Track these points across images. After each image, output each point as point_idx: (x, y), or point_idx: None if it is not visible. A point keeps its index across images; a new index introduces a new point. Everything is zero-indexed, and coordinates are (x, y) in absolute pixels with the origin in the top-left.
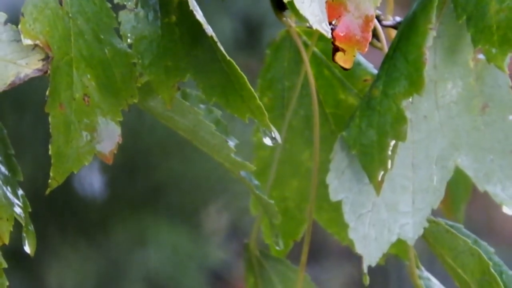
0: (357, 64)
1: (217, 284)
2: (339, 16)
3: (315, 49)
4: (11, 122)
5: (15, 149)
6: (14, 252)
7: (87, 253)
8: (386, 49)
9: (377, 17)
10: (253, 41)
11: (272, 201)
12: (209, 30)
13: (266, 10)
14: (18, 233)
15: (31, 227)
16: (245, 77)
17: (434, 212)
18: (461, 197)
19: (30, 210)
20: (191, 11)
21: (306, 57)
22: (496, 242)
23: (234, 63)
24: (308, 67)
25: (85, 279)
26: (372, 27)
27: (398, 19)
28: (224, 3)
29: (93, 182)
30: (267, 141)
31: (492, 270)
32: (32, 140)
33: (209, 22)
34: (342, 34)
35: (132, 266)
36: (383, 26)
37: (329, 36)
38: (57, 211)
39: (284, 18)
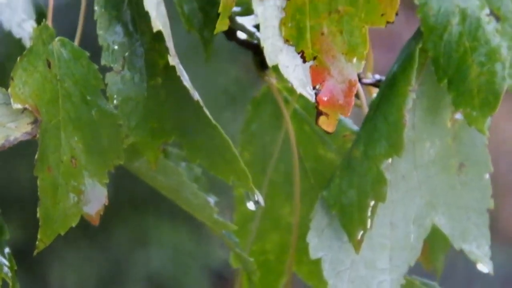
0: None
1: (219, 283)
2: (323, 81)
3: (296, 106)
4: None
5: (24, 160)
6: (15, 252)
7: (88, 253)
8: (365, 106)
9: (357, 76)
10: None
11: (251, 259)
12: (195, 95)
13: None
14: (21, 233)
15: (17, 286)
16: (229, 140)
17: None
18: (440, 247)
19: (16, 268)
20: (178, 77)
21: (287, 113)
22: (499, 242)
23: (219, 127)
24: (289, 124)
25: (86, 279)
26: (355, 92)
27: (377, 77)
28: None
29: None
30: (250, 205)
31: None
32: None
33: None
34: (325, 99)
35: (134, 266)
36: (363, 84)
37: (313, 100)
38: None
39: (266, 77)
